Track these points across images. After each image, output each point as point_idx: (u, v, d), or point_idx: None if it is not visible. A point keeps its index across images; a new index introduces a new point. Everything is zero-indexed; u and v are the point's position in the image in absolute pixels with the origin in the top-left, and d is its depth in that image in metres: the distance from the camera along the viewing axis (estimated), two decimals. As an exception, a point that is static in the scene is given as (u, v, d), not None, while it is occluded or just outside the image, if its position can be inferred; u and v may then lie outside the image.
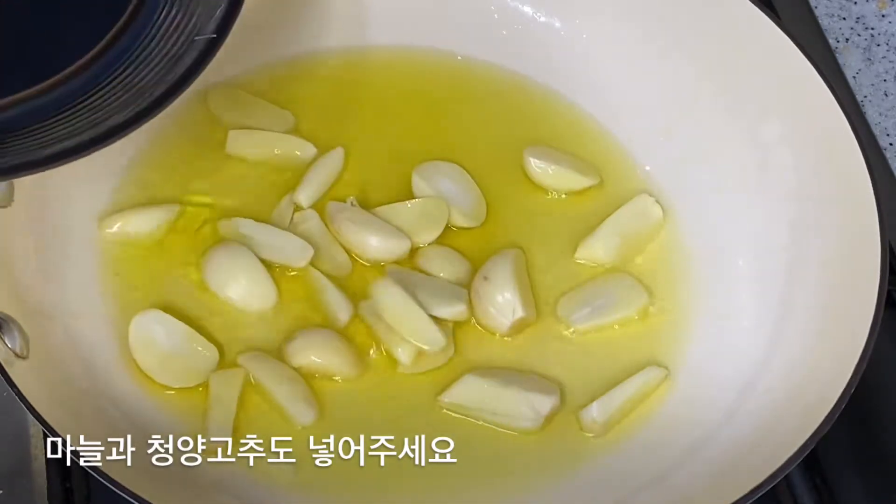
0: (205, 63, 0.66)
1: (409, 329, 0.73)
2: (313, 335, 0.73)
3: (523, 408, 0.71)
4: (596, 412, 0.72)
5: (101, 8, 0.67)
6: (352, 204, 0.78)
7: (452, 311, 0.74)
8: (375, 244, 0.76)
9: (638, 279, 0.78)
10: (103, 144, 0.62)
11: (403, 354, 0.73)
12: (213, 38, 0.66)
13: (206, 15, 0.67)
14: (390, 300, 0.73)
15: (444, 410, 0.72)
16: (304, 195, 0.78)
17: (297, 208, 0.78)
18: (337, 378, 0.72)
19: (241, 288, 0.74)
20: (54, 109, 0.64)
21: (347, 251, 0.77)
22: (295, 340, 0.72)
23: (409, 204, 0.79)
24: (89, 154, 0.62)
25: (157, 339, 0.71)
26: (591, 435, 0.72)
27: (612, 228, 0.79)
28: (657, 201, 0.80)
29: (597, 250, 0.78)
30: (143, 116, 0.63)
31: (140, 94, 0.65)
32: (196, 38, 0.66)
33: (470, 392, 0.72)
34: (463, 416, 0.72)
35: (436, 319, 0.73)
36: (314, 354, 0.72)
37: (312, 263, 0.76)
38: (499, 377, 0.72)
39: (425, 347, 0.73)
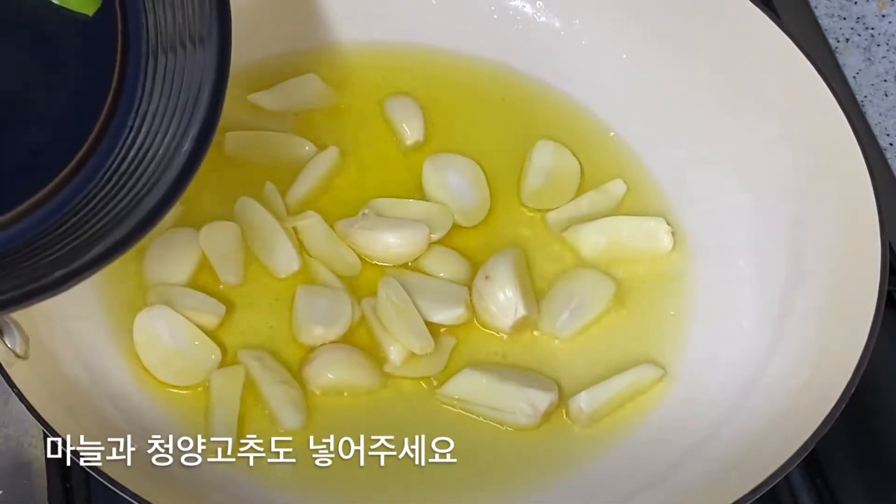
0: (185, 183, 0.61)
1: (400, 331, 0.72)
2: (331, 353, 0.72)
3: (521, 403, 0.71)
4: (583, 402, 0.72)
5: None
6: (363, 215, 0.78)
7: (451, 315, 0.74)
8: (394, 241, 0.75)
9: (604, 270, 0.78)
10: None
11: (395, 354, 0.72)
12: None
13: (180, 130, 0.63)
14: (387, 300, 0.73)
15: (444, 405, 0.72)
16: (295, 196, 0.78)
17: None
18: (359, 393, 0.72)
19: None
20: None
21: (358, 254, 0.77)
22: (313, 361, 0.72)
23: (412, 202, 0.79)
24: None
25: (161, 335, 0.71)
26: (576, 425, 0.72)
27: (603, 228, 0.79)
28: (672, 231, 0.79)
29: (580, 241, 0.78)
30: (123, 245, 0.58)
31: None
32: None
33: (468, 386, 0.72)
34: (461, 411, 0.72)
35: (436, 325, 0.74)
36: (332, 373, 0.72)
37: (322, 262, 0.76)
38: (497, 372, 0.72)
39: (415, 350, 0.72)
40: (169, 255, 0.75)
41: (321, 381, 0.71)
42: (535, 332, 0.75)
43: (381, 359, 0.73)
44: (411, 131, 0.83)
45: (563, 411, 0.72)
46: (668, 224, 0.79)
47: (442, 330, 0.74)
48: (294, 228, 0.77)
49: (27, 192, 0.61)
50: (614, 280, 0.77)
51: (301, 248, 0.77)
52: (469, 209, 0.79)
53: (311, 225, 0.77)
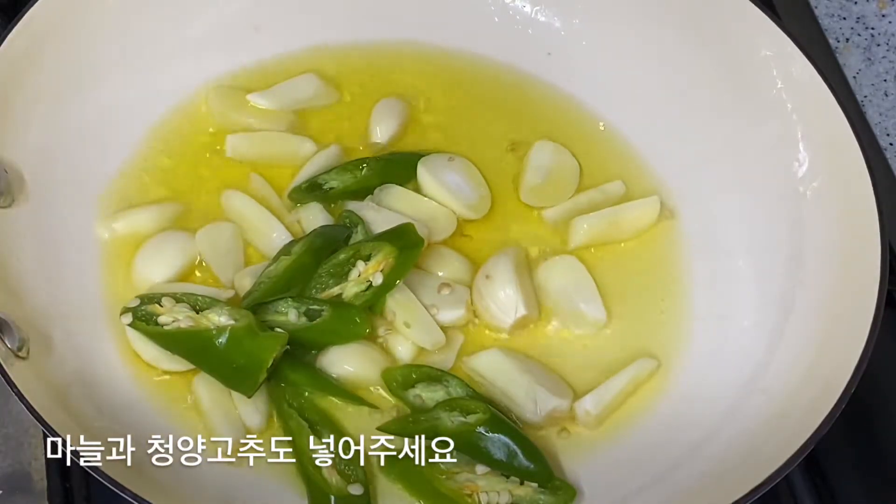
0: None
1: (413, 329, 0.73)
2: (349, 347, 0.72)
3: (528, 398, 0.71)
4: (589, 404, 0.72)
5: None
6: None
7: (452, 315, 0.74)
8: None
9: (578, 257, 0.78)
10: None
11: (403, 352, 0.73)
12: None
13: None
14: (395, 300, 0.73)
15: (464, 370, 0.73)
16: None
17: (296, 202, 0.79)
18: (373, 389, 0.72)
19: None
20: None
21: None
22: (329, 353, 0.72)
23: (417, 197, 0.79)
24: None
25: None
26: (585, 428, 0.72)
27: (602, 217, 0.79)
28: (668, 213, 0.80)
29: (577, 230, 0.78)
30: None
31: None
32: None
33: (491, 364, 0.72)
34: (478, 383, 0.72)
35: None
36: (349, 365, 0.72)
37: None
38: (522, 362, 0.72)
39: (427, 347, 0.73)
40: (158, 255, 0.75)
41: (339, 371, 0.71)
42: (576, 331, 0.76)
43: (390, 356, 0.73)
44: (381, 133, 0.82)
45: (570, 416, 0.72)
46: (662, 205, 0.80)
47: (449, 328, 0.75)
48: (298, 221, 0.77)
49: None
50: (571, 252, 0.78)
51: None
52: (472, 202, 0.79)
53: (312, 215, 0.77)
